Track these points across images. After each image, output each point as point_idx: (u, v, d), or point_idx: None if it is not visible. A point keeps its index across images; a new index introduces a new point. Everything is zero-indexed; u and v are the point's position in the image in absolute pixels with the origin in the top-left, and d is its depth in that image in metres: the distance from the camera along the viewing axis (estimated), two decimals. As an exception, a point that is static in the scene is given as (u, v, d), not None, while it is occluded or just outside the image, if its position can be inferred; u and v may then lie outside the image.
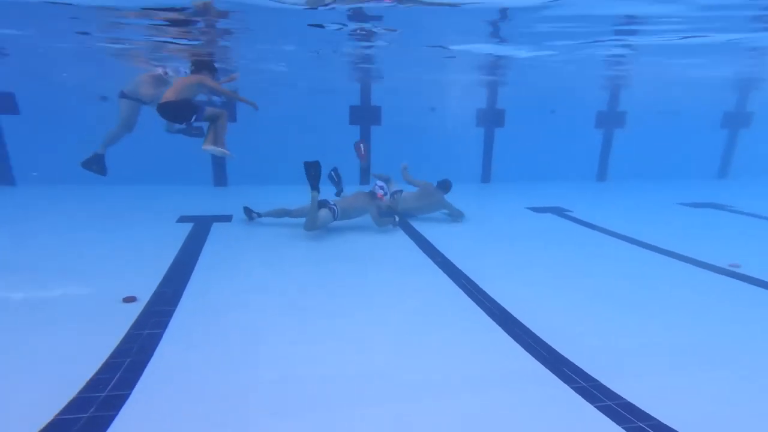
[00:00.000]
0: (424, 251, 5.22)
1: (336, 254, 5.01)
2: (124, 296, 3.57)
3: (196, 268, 4.37)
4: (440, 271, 4.57)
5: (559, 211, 7.46)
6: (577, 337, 3.23)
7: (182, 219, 6.18)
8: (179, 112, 5.11)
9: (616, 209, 8.05)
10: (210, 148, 5.38)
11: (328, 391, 2.50)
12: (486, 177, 10.43)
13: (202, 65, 5.44)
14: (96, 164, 6.21)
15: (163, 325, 3.21)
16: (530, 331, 3.29)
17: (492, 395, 2.53)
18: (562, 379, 2.69)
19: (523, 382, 2.69)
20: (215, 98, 7.68)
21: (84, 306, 3.48)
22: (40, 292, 3.73)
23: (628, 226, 6.42)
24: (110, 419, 2.20)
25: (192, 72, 5.45)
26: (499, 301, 3.80)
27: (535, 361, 2.89)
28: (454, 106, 9.92)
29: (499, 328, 3.35)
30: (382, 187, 6.06)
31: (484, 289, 4.07)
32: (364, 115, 9.42)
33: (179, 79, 5.41)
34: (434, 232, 6.03)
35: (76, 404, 2.31)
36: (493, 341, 3.17)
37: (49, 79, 7.71)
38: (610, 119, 10.73)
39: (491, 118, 10.13)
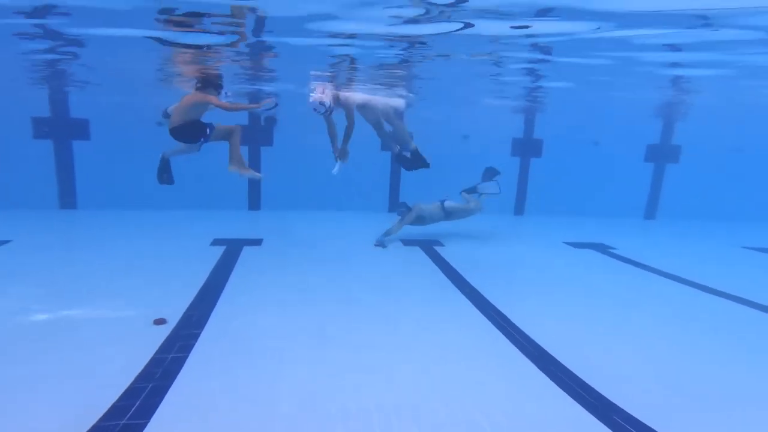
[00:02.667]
0: (451, 280, 5.04)
1: (362, 281, 4.91)
2: (155, 318, 3.61)
3: (224, 291, 4.39)
4: (468, 301, 4.36)
5: (602, 248, 7.06)
6: (627, 382, 2.93)
7: (215, 242, 6.31)
8: (189, 134, 5.20)
9: (670, 249, 7.51)
10: (235, 169, 5.41)
11: (349, 427, 2.36)
12: (519, 209, 10.13)
13: (208, 82, 5.45)
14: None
15: (188, 349, 3.19)
16: (571, 373, 3.03)
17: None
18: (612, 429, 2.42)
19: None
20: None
21: (117, 327, 3.52)
22: (77, 311, 3.82)
23: (686, 268, 5.93)
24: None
25: (197, 89, 5.38)
26: (534, 339, 3.55)
27: (578, 406, 2.63)
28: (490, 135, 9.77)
29: (534, 367, 3.10)
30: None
31: (517, 323, 3.83)
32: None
33: (185, 97, 5.29)
34: (461, 259, 5.84)
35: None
36: (528, 381, 2.94)
37: (119, 106, 8.13)
38: (663, 153, 10.15)
39: (528, 148, 9.90)
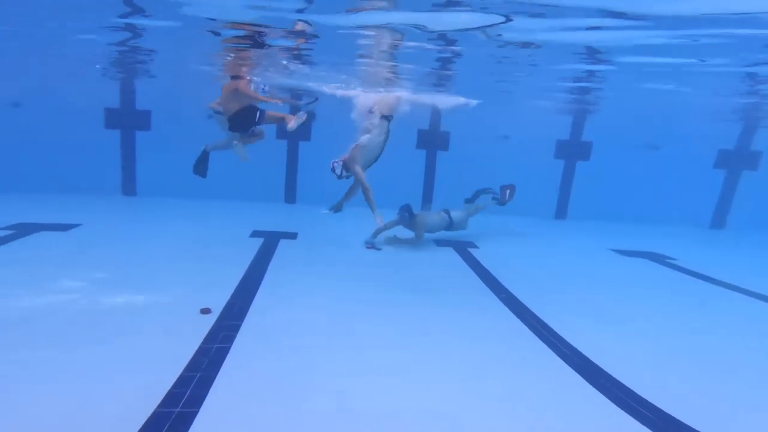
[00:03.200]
0: (487, 284, 4.95)
1: (396, 281, 4.91)
2: (202, 307, 3.74)
3: (262, 284, 4.48)
4: (505, 308, 4.29)
5: (657, 258, 6.74)
6: (685, 399, 2.80)
7: (255, 234, 6.47)
8: (244, 119, 5.38)
9: (741, 260, 7.06)
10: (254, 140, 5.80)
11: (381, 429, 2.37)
12: (561, 213, 9.83)
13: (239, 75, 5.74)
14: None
15: (230, 340, 3.29)
16: (623, 386, 2.92)
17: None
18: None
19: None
20: None
21: (168, 315, 3.65)
22: (134, 296, 3.99)
23: (757, 281, 5.58)
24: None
25: (231, 78, 5.74)
26: (581, 350, 3.45)
27: (633, 420, 2.53)
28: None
29: (579, 377, 3.02)
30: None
31: (560, 333, 3.73)
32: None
33: (223, 89, 5.60)
34: (496, 263, 5.73)
35: (155, 420, 2.37)
36: (571, 392, 2.85)
37: (179, 98, 8.39)
38: (738, 158, 9.52)
39: (574, 151, 9.52)
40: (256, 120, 5.47)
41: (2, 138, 8.05)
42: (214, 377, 2.79)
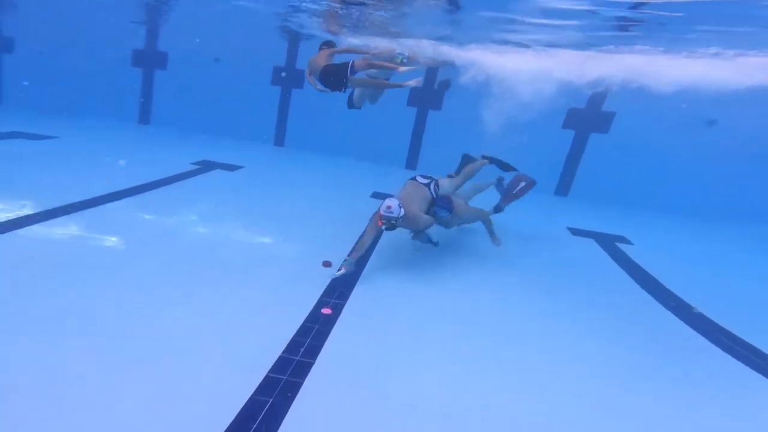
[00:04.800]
0: (644, 286, 4.26)
1: (519, 275, 4.42)
2: (324, 260, 3.93)
3: (374, 252, 4.47)
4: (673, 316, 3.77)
5: None
6: None
7: (374, 195, 6.60)
8: (334, 77, 5.12)
9: None
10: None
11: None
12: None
13: (326, 44, 5.44)
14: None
15: (345, 297, 3.41)
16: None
17: None
18: None
19: None
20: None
21: (296, 265, 3.89)
22: (271, 241, 4.40)
23: None
24: (299, 386, 2.39)
25: (321, 49, 5.44)
26: None
27: None
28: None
29: None
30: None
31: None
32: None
33: (315, 58, 5.33)
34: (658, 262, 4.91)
35: (280, 364, 2.55)
36: None
37: (196, 42, 9.12)
38: None
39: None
40: (348, 70, 5.23)
41: (204, 88, 9.54)
42: (329, 331, 2.92)
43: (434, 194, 4.34)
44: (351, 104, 5.82)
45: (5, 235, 3.66)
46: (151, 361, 2.43)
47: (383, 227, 3.75)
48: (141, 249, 3.81)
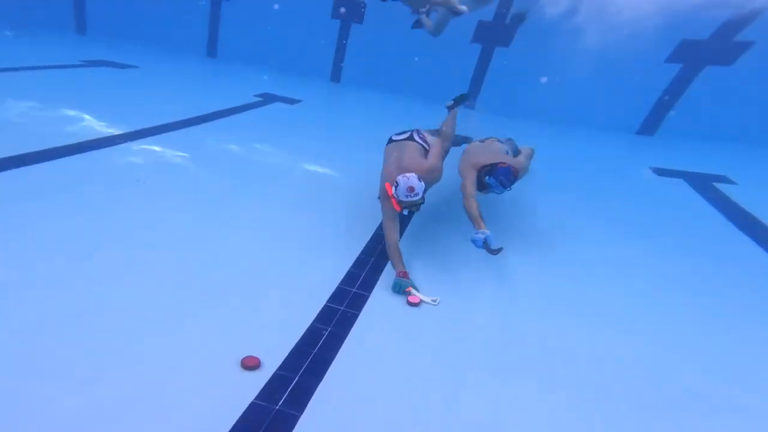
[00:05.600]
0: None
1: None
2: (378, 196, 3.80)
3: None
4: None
5: None
6: None
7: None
8: None
9: None
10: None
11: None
12: None
13: None
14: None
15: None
16: None
17: None
18: None
19: None
20: None
21: (352, 194, 3.88)
22: (329, 171, 4.38)
23: None
24: (355, 317, 2.39)
25: None
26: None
27: None
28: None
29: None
30: None
31: None
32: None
33: None
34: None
35: (337, 295, 2.56)
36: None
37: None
38: None
39: None
40: None
41: (267, 21, 9.31)
42: (384, 267, 2.87)
43: (423, 144, 3.24)
44: (416, 24, 5.60)
45: (99, 151, 4.00)
46: (224, 284, 2.51)
47: (404, 212, 2.87)
48: (213, 172, 4.01)
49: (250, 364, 1.97)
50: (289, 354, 2.07)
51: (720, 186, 4.94)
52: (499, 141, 3.59)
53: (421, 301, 2.56)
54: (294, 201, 3.62)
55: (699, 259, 3.41)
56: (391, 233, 2.82)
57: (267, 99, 7.02)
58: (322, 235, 3.18)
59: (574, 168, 5.39)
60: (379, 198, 2.99)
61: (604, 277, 3.11)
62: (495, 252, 2.73)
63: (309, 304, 2.43)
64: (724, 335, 2.60)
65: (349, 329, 2.29)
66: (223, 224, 3.13)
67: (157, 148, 4.25)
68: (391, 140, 3.39)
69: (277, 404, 1.80)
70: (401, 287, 2.61)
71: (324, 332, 2.24)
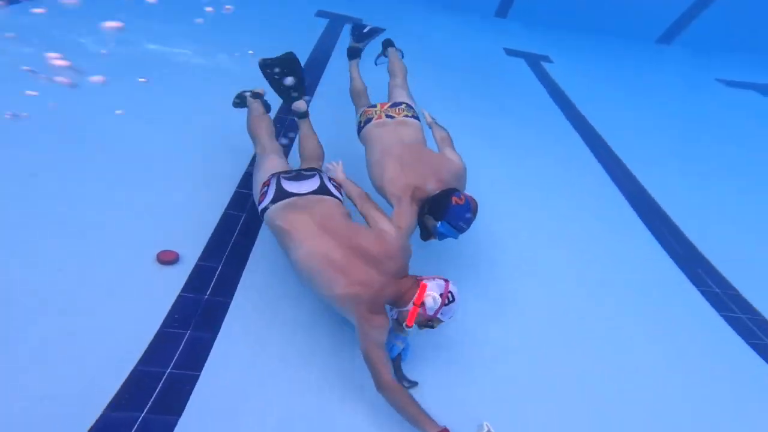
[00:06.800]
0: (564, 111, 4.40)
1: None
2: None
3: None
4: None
5: None
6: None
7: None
8: None
9: None
10: None
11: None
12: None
13: None
14: None
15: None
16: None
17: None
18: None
19: None
20: None
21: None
22: None
23: None
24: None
25: None
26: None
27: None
28: None
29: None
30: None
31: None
32: None
33: None
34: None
35: (247, 179, 2.50)
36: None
37: None
38: None
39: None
40: None
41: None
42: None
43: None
44: None
45: None
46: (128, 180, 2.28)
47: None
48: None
49: (167, 259, 1.97)
50: (207, 243, 2.10)
51: (545, 64, 5.59)
52: (407, 114, 2.25)
53: None
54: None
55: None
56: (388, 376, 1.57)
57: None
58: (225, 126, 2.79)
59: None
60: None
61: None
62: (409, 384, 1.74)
63: (220, 191, 2.36)
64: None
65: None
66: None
67: None
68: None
69: (205, 293, 1.91)
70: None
71: (240, 218, 2.26)
